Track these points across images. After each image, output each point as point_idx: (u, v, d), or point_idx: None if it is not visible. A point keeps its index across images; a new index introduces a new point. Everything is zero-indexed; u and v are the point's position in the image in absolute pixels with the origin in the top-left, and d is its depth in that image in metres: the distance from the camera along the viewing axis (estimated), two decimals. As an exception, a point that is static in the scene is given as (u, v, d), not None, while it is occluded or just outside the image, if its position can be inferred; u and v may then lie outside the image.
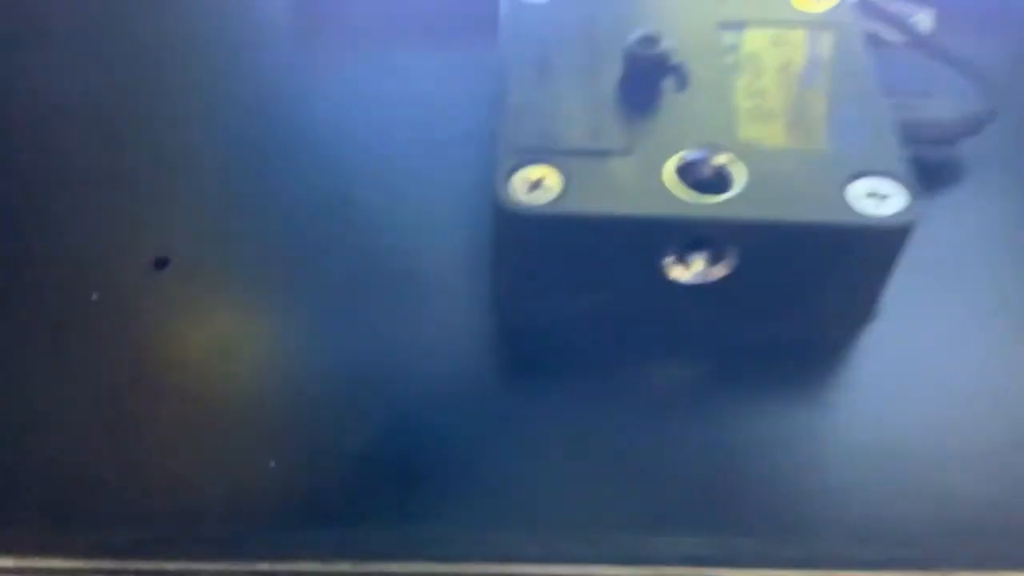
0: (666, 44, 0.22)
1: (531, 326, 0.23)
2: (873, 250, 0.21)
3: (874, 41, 0.29)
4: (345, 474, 0.21)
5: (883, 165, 0.21)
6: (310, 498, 0.20)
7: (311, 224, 0.25)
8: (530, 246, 0.21)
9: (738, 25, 0.25)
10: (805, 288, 0.22)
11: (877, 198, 0.21)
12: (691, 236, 0.21)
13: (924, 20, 0.30)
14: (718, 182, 0.21)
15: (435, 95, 0.27)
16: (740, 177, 0.21)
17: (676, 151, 0.21)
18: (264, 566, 0.19)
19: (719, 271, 0.21)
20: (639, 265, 0.21)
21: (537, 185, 0.21)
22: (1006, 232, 0.25)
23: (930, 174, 0.26)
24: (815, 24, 0.25)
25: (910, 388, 0.22)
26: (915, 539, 0.20)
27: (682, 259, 0.21)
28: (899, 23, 0.28)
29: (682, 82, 0.23)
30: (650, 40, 0.22)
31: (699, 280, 0.21)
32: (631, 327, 0.23)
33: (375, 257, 0.24)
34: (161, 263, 0.24)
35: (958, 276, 0.24)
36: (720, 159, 0.21)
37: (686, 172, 0.21)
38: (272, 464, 0.20)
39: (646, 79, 0.23)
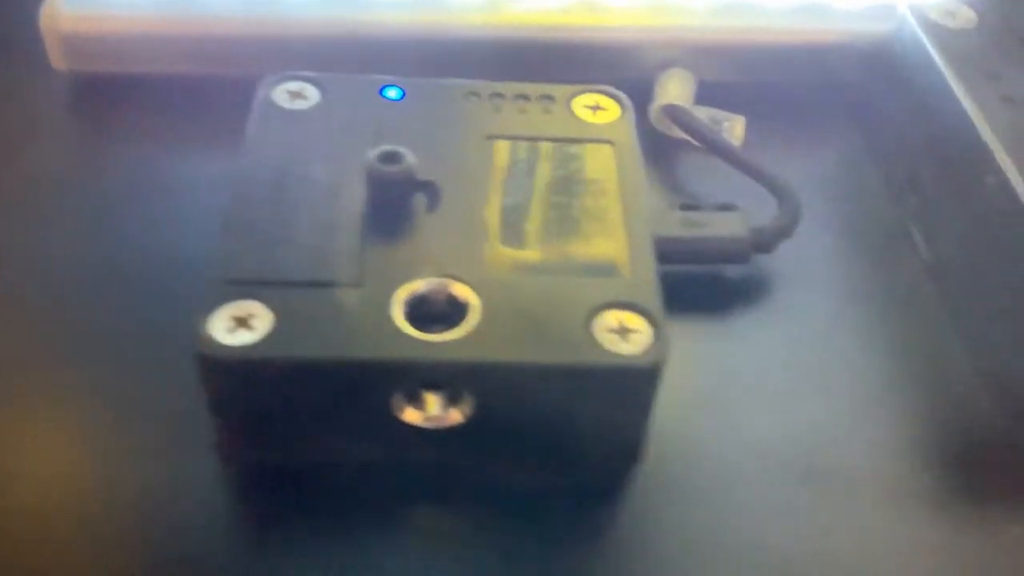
0: (410, 160, 0.21)
1: (262, 476, 0.20)
2: (619, 390, 0.19)
3: (685, 146, 0.28)
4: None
5: (634, 297, 0.19)
6: None
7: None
8: (232, 392, 0.19)
9: (509, 137, 0.23)
10: (554, 431, 0.20)
11: (621, 334, 0.19)
12: (417, 380, 0.19)
13: (737, 126, 0.28)
14: (452, 316, 0.19)
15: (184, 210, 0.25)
16: (475, 312, 0.19)
17: (410, 280, 0.19)
18: None
19: (456, 415, 0.19)
20: (368, 409, 0.19)
21: (245, 323, 0.18)
22: (796, 355, 0.23)
23: (721, 291, 0.25)
24: (592, 139, 0.23)
25: (678, 539, 0.20)
26: None
27: (414, 402, 0.19)
28: (700, 132, 0.27)
29: (433, 202, 0.21)
30: (392, 155, 0.20)
31: (436, 425, 0.19)
32: (380, 474, 0.20)
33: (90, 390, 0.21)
34: None
35: (745, 404, 0.22)
36: (455, 290, 0.19)
37: (416, 306, 0.19)
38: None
39: (390, 199, 0.21)
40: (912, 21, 0.26)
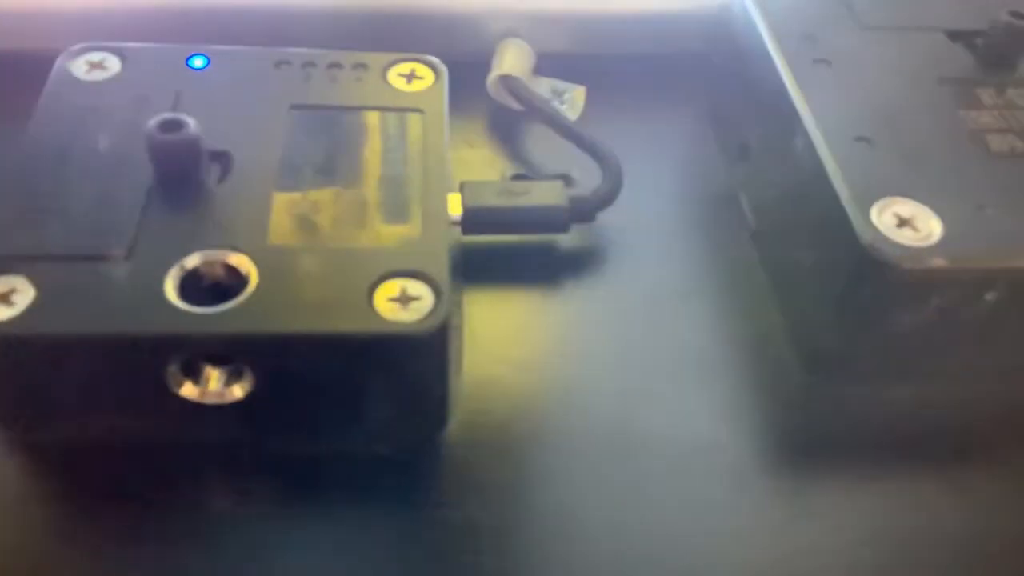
0: (192, 128, 0.20)
1: (43, 452, 0.20)
2: (402, 358, 0.18)
3: (526, 117, 0.28)
4: None
5: (419, 265, 0.19)
6: None
7: None
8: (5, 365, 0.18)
9: (312, 107, 0.22)
10: (344, 402, 0.19)
11: (402, 302, 0.18)
12: (192, 352, 0.18)
13: (577, 96, 0.28)
14: (228, 288, 0.18)
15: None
16: (252, 283, 0.18)
17: (187, 253, 0.19)
18: None
19: (238, 391, 0.19)
20: (142, 386, 0.18)
21: (6, 299, 0.18)
22: (624, 319, 0.23)
23: (555, 260, 0.25)
24: (402, 108, 0.23)
25: (488, 504, 0.20)
26: None
27: (192, 377, 0.18)
28: (529, 102, 0.27)
29: (223, 173, 0.20)
30: (173, 124, 0.20)
31: (216, 400, 0.19)
32: (157, 449, 0.19)
33: None
34: None
35: (563, 368, 0.22)
36: (232, 261, 0.19)
37: (191, 279, 0.18)
38: None
39: (176, 170, 0.20)
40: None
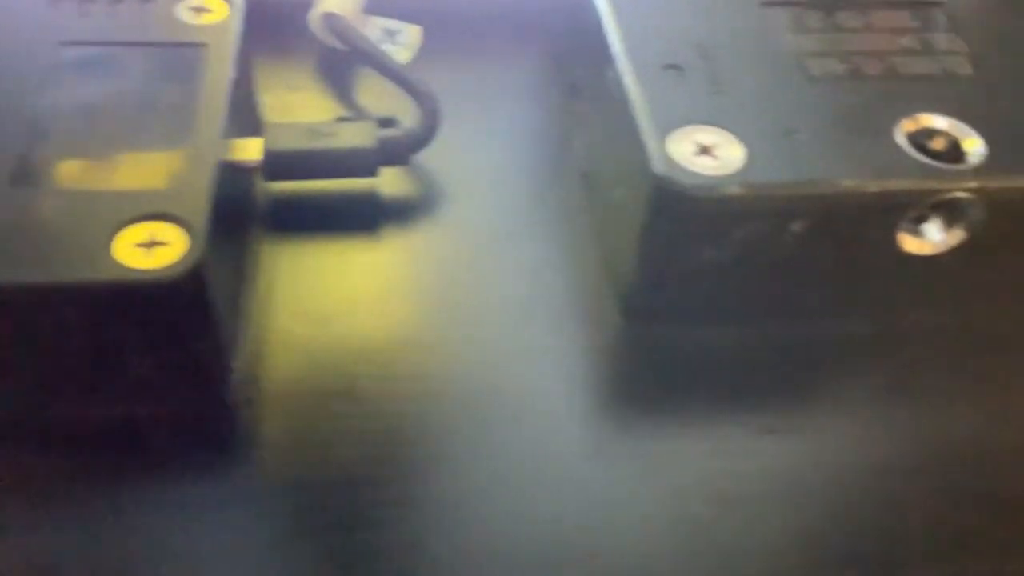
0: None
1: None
2: (150, 308, 0.17)
3: (353, 57, 0.26)
4: None
5: (172, 208, 0.17)
6: None
7: None
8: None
9: (89, 43, 0.21)
10: (107, 358, 0.18)
11: (148, 247, 0.17)
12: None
13: (411, 35, 0.27)
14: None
15: None
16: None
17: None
18: None
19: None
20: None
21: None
22: (449, 269, 0.22)
23: (378, 204, 0.23)
24: (185, 42, 0.21)
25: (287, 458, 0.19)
26: None
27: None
28: (348, 39, 0.25)
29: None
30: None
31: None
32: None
33: None
34: None
35: (380, 314, 0.21)
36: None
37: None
38: None
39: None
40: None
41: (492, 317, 0.21)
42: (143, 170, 0.18)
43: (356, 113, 0.25)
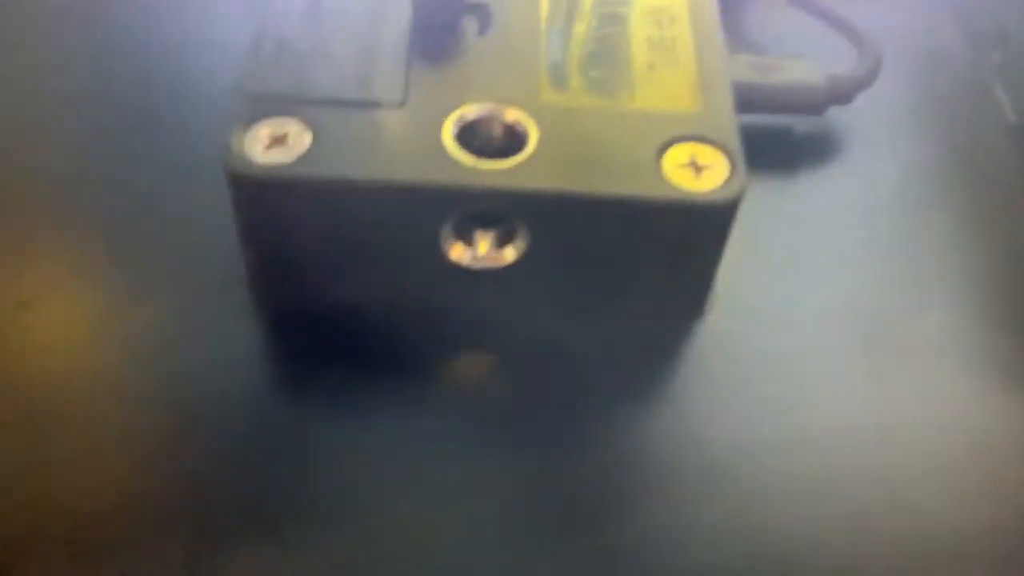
0: (457, -21, 0.18)
1: (296, 315, 0.19)
2: (690, 229, 0.17)
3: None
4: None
5: (708, 131, 0.17)
6: None
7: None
8: (266, 218, 0.17)
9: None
10: (614, 275, 0.18)
11: (694, 169, 0.17)
12: (469, 209, 0.17)
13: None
14: (507, 145, 0.17)
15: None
16: (532, 140, 0.17)
17: (462, 104, 0.17)
18: None
19: (510, 254, 0.17)
20: (413, 243, 0.17)
21: (281, 141, 0.17)
22: (866, 222, 0.22)
23: (795, 146, 0.23)
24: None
25: (740, 397, 0.19)
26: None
27: (465, 238, 0.17)
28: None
29: (484, 25, 0.19)
30: (437, -26, 0.18)
31: (487, 264, 0.18)
32: (419, 317, 0.19)
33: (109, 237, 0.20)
34: None
35: (812, 264, 0.21)
36: (510, 117, 0.17)
37: (468, 131, 0.17)
38: None
39: (437, 20, 0.19)
40: None
41: (920, 271, 0.21)
42: (661, 92, 0.18)
43: (761, 51, 0.25)
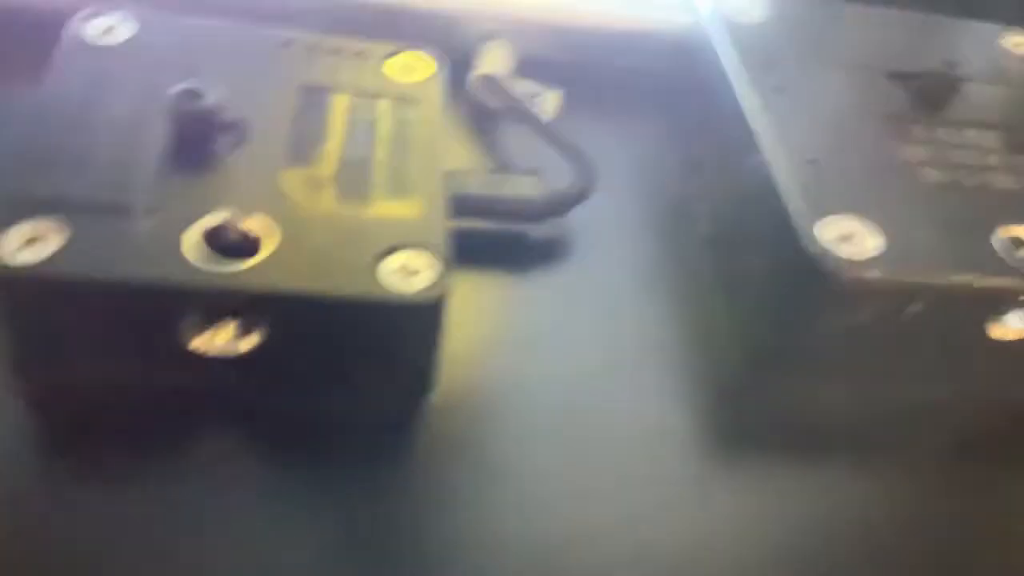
0: (213, 99, 0.21)
1: (54, 393, 0.21)
2: (405, 325, 0.20)
3: (505, 115, 0.30)
4: None
5: (423, 239, 0.21)
6: None
7: None
8: (21, 310, 0.19)
9: (321, 89, 0.24)
10: (344, 362, 0.21)
11: (407, 273, 0.20)
12: (208, 306, 0.19)
13: (551, 100, 0.30)
14: (246, 248, 0.20)
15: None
16: (270, 244, 0.20)
17: (208, 212, 0.20)
18: None
19: (244, 344, 0.20)
20: (158, 336, 0.20)
21: (34, 243, 0.19)
22: (585, 308, 0.26)
23: (525, 249, 0.27)
24: (400, 96, 0.24)
25: (463, 464, 0.22)
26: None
27: (206, 330, 0.20)
28: (506, 101, 0.29)
29: (238, 141, 0.22)
30: (194, 94, 0.21)
31: (226, 352, 0.20)
32: (171, 396, 0.21)
33: None
34: None
35: (534, 346, 0.24)
36: (250, 224, 0.20)
37: (212, 236, 0.20)
38: None
39: (194, 135, 0.21)
40: (707, 15, 0.29)
41: (625, 357, 0.25)
42: (387, 204, 0.21)
43: (505, 164, 0.29)
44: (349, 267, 0.20)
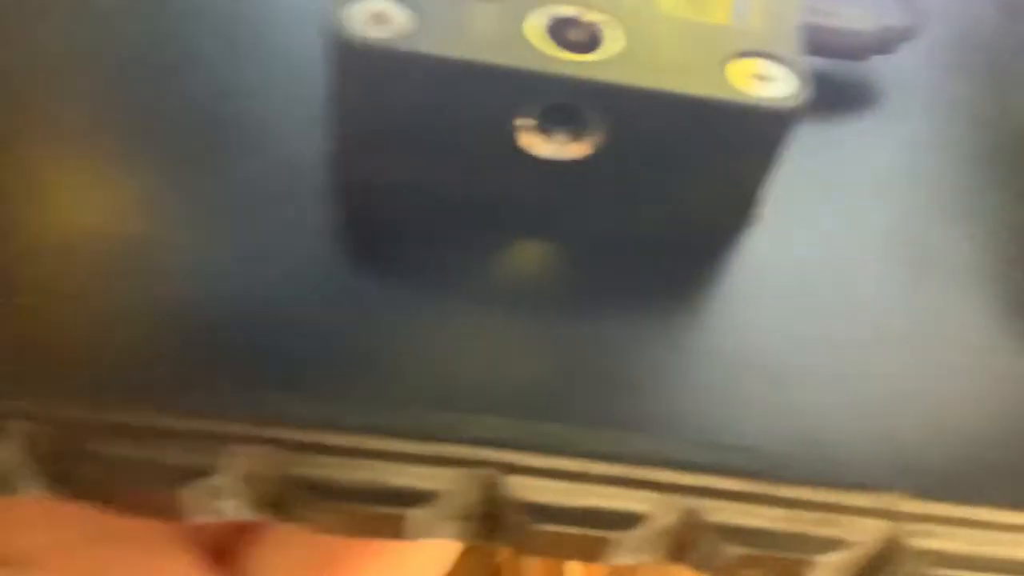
0: None
1: (371, 190, 0.20)
2: (751, 135, 0.19)
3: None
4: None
5: (777, 48, 0.19)
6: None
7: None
8: (362, 90, 0.18)
9: None
10: (675, 177, 0.19)
11: (762, 79, 0.18)
12: (550, 99, 0.18)
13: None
14: (590, 43, 0.19)
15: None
16: (616, 41, 0.18)
17: (550, 3, 0.19)
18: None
19: (581, 148, 0.19)
20: (491, 129, 0.19)
21: (380, 19, 0.18)
22: (907, 159, 0.23)
23: (837, 91, 0.24)
24: None
25: (782, 301, 0.20)
26: (753, 448, 0.18)
27: (542, 129, 0.19)
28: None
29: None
30: None
31: (558, 155, 0.19)
32: (483, 204, 0.20)
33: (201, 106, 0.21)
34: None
35: (851, 196, 0.22)
36: (594, 17, 0.19)
37: (555, 28, 0.18)
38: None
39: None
40: None
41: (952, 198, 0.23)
42: (733, 10, 0.20)
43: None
44: (699, 68, 0.18)
